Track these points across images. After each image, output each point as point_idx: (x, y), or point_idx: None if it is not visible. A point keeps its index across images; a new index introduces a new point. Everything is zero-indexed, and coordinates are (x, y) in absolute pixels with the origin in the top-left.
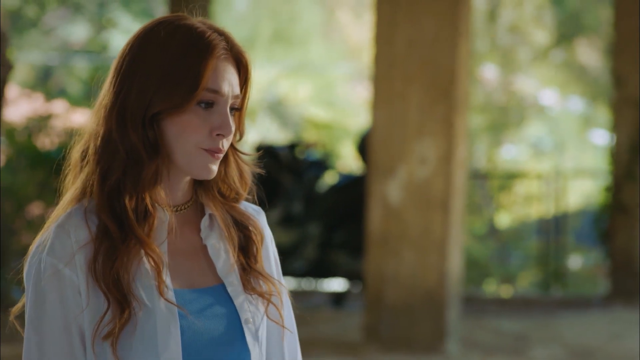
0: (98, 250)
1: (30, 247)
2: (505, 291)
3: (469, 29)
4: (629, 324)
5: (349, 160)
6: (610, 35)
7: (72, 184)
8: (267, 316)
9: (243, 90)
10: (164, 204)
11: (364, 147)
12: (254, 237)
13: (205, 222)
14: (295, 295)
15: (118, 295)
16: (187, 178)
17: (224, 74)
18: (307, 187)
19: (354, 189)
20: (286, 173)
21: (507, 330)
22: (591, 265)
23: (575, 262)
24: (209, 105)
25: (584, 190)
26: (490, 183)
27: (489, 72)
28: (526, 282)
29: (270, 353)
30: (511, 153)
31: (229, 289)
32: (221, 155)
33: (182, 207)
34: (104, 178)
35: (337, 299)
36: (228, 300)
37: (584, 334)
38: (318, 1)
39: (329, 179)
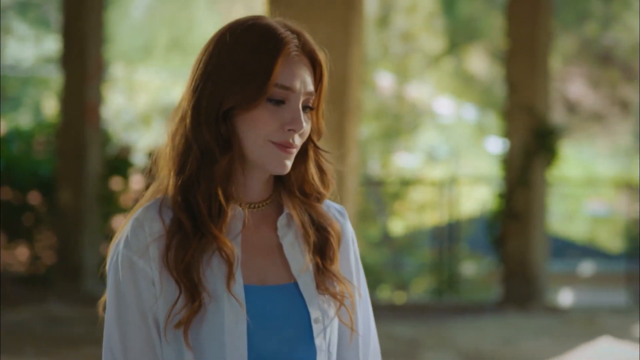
0: (171, 242)
1: (112, 241)
2: (399, 297)
3: (361, 36)
4: (520, 329)
5: None
6: (503, 42)
7: (156, 176)
8: (339, 318)
9: (318, 88)
10: (239, 200)
11: None
12: (331, 239)
13: (282, 220)
14: None
15: (189, 285)
16: (265, 176)
17: (295, 70)
18: None
19: None
20: None
21: (400, 335)
22: (485, 271)
23: (468, 268)
24: (280, 102)
25: (479, 197)
26: (385, 190)
27: (383, 79)
28: (420, 288)
29: (342, 355)
30: (406, 161)
31: (302, 288)
32: (293, 151)
33: (260, 205)
34: (178, 174)
35: None
36: (300, 299)
37: (476, 339)
38: (214, 9)
39: None
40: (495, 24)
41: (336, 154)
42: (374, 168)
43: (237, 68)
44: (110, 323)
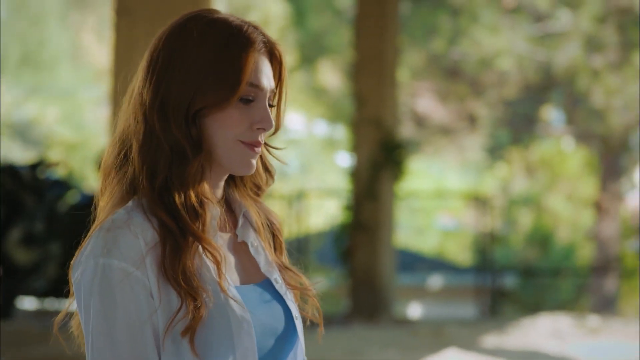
0: (164, 249)
1: (77, 253)
2: None
3: None
4: (367, 341)
5: (92, 180)
6: (352, 56)
7: (109, 187)
8: (304, 313)
9: (279, 84)
10: (212, 199)
11: None
12: (277, 233)
13: (241, 218)
14: (37, 315)
15: (190, 291)
16: (227, 174)
17: (262, 68)
18: (48, 207)
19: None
20: (27, 192)
21: None
22: (334, 284)
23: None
24: (250, 100)
25: (328, 211)
26: None
27: None
28: None
29: None
30: None
31: (276, 286)
32: (260, 149)
33: (220, 203)
34: (152, 176)
35: None
36: (278, 296)
37: (323, 351)
38: (65, 25)
39: (71, 198)
40: (344, 38)
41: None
42: None
43: (205, 67)
44: (99, 339)
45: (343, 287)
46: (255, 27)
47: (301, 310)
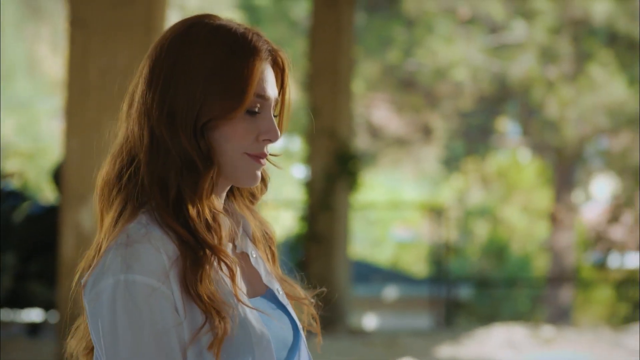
0: (185, 263)
1: (89, 274)
2: None
3: None
4: (322, 351)
5: (48, 191)
6: (306, 67)
7: (114, 200)
8: (304, 324)
9: (282, 92)
10: (222, 210)
11: (58, 176)
12: (270, 243)
13: (241, 229)
14: None
15: (214, 305)
16: (229, 186)
17: (267, 77)
18: (2, 218)
19: (48, 219)
20: None
21: None
22: None
23: None
24: (256, 112)
25: (284, 222)
26: None
27: None
28: None
29: None
30: None
31: (279, 296)
32: (265, 161)
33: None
34: (164, 188)
35: (34, 329)
36: (282, 307)
37: None
38: (21, 36)
39: (26, 209)
40: (299, 49)
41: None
42: None
43: (212, 77)
44: (124, 356)
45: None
46: (259, 35)
47: (299, 320)
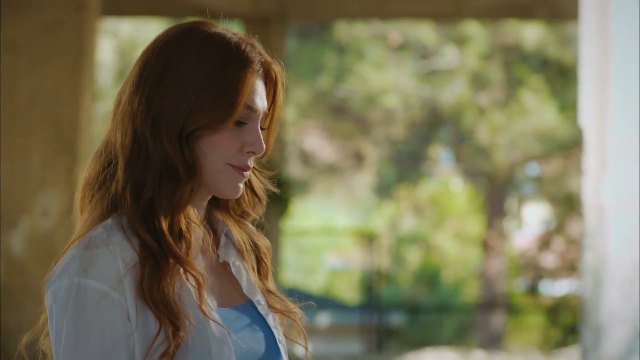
0: (144, 270)
1: (51, 269)
2: None
3: (92, 83)
4: None
5: None
6: None
7: (91, 201)
8: (289, 337)
9: (272, 105)
10: (195, 221)
11: None
12: (263, 256)
13: (224, 239)
14: None
15: (169, 314)
16: (210, 196)
17: (257, 89)
18: None
19: None
20: None
21: None
22: None
23: None
24: (243, 123)
25: None
26: None
27: None
28: None
29: None
30: None
31: (259, 308)
32: (248, 173)
33: (202, 224)
34: (137, 194)
35: None
36: (260, 319)
37: None
38: None
39: None
40: None
41: (270, 175)
42: None
43: (203, 84)
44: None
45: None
46: (253, 46)
47: (287, 335)
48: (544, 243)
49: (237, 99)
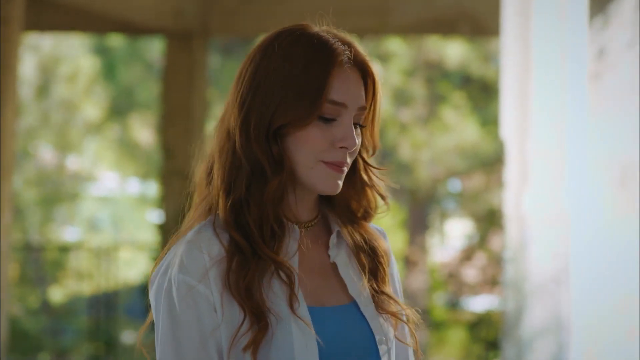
0: (231, 263)
1: (155, 266)
2: None
3: (16, 99)
4: None
5: None
6: (160, 109)
7: (198, 201)
8: (399, 339)
9: (372, 102)
10: (293, 219)
11: None
12: (381, 259)
13: (334, 239)
14: None
15: (252, 306)
16: (314, 195)
17: (347, 84)
18: None
19: None
20: None
21: None
22: (144, 338)
23: (128, 336)
24: (331, 119)
25: (139, 265)
26: (44, 257)
27: (44, 149)
28: (80, 357)
29: None
30: (67, 229)
31: (362, 308)
32: (345, 169)
33: (309, 224)
34: (228, 193)
35: None
36: (362, 320)
37: None
38: None
39: None
40: (154, 91)
41: (388, 171)
42: (34, 234)
43: (287, 83)
44: (166, 352)
45: (151, 340)
46: (345, 43)
47: (400, 337)
48: (466, 258)
49: (319, 95)
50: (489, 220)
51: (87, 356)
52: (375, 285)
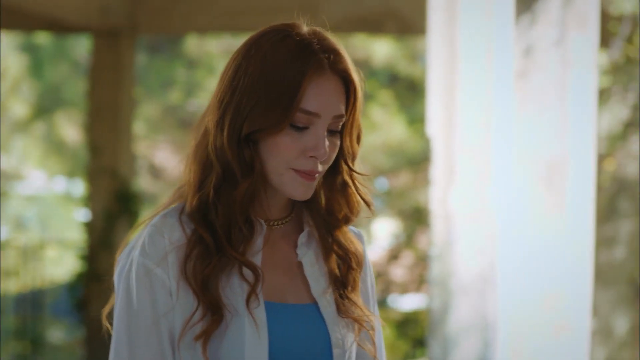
0: (191, 252)
1: (122, 246)
2: None
3: None
4: None
5: None
6: (87, 107)
7: (176, 187)
8: (358, 343)
9: (352, 111)
10: (263, 216)
11: None
12: (352, 263)
13: (302, 238)
14: None
15: (207, 298)
16: (286, 196)
17: (323, 93)
18: None
19: None
20: None
21: None
22: (70, 336)
23: (55, 335)
24: (304, 128)
25: (66, 263)
26: None
27: None
28: (7, 356)
29: None
30: None
31: (322, 310)
32: (317, 176)
33: (280, 222)
34: (198, 189)
35: None
36: (320, 321)
37: None
38: None
39: None
40: (81, 89)
41: (370, 178)
42: None
43: (262, 88)
44: (120, 330)
45: (78, 339)
46: (328, 49)
47: (362, 343)
48: (393, 257)
49: (291, 104)
50: (416, 219)
51: (14, 355)
52: (341, 289)
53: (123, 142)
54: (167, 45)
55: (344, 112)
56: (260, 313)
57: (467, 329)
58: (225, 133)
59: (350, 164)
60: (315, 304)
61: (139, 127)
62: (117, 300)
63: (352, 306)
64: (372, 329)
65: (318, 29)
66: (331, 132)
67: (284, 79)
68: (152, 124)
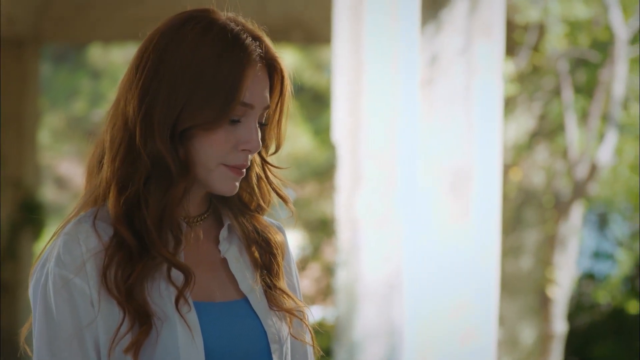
0: (111, 259)
1: (36, 259)
2: None
3: None
4: None
5: None
6: None
7: (87, 188)
8: (293, 335)
9: (280, 99)
10: (183, 213)
11: None
12: (274, 251)
13: (224, 233)
14: None
15: (133, 308)
16: (205, 190)
17: (257, 85)
18: None
19: None
20: None
21: None
22: None
23: None
24: (237, 120)
25: None
26: None
27: None
28: None
29: None
30: None
31: (254, 305)
32: (244, 171)
33: (198, 219)
34: (122, 188)
35: None
36: (253, 316)
37: None
38: None
39: None
40: None
41: (286, 169)
42: None
43: (196, 82)
44: (41, 348)
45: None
46: (255, 37)
47: (296, 334)
48: (300, 269)
49: (233, 97)
50: (322, 230)
51: None
52: (268, 280)
53: (28, 152)
54: (71, 55)
55: (270, 102)
56: (192, 315)
57: (373, 335)
58: (155, 127)
59: (266, 156)
60: (245, 299)
61: (44, 137)
62: (35, 316)
63: (281, 296)
64: (304, 317)
65: (233, 14)
66: (259, 124)
67: (219, 72)
68: (57, 135)
